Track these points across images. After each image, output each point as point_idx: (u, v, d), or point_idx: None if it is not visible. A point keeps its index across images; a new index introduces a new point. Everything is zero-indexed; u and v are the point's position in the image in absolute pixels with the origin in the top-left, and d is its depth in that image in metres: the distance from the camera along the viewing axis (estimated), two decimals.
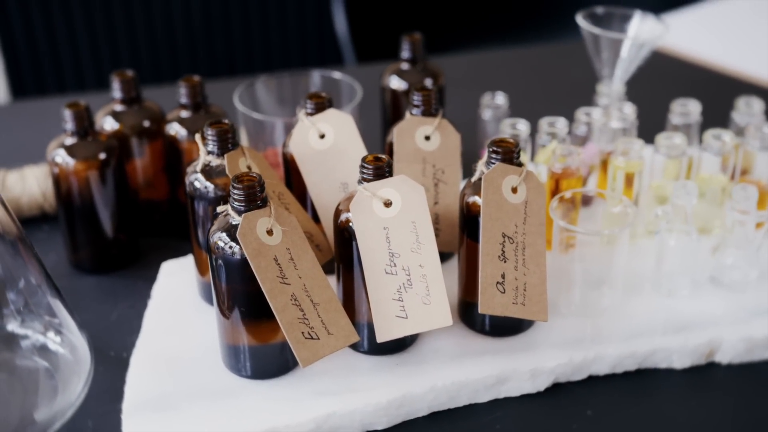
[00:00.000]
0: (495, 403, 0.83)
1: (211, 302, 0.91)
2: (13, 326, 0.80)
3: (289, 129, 1.03)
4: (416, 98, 0.90)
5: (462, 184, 0.96)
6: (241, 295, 0.78)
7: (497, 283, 0.78)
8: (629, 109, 1.03)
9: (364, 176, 0.79)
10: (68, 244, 1.01)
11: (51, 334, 0.81)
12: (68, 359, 0.80)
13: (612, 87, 1.07)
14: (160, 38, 2.26)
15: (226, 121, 0.85)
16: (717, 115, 1.15)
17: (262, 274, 0.74)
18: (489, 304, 0.77)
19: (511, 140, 0.81)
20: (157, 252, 1.04)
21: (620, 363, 0.85)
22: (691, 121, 1.03)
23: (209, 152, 0.85)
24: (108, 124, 1.02)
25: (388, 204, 0.78)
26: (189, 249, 1.03)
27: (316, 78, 1.10)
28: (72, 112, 0.95)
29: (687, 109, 1.04)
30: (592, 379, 0.86)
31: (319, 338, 0.75)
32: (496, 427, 0.81)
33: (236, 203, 0.76)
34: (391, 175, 0.79)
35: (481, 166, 0.82)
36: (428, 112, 0.90)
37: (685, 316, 0.89)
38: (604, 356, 0.85)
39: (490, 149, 0.81)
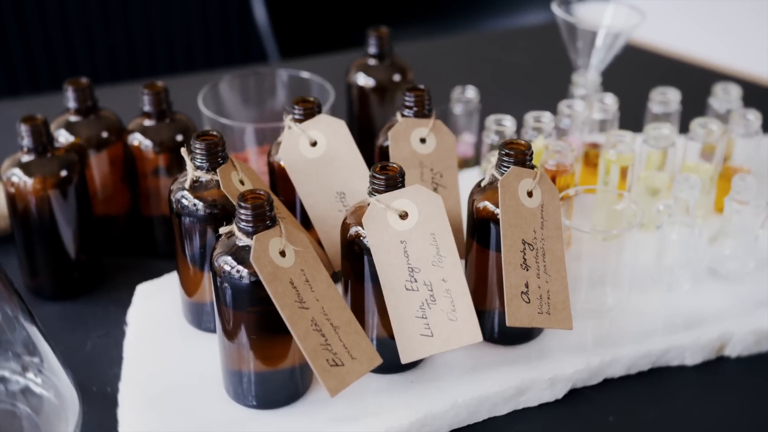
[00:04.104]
0: (514, 414, 0.80)
1: (199, 326, 0.85)
2: None
3: (260, 134, 0.97)
4: (408, 99, 0.85)
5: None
6: (250, 319, 0.72)
7: (522, 293, 0.74)
8: (610, 100, 1.01)
9: (376, 187, 0.74)
10: (25, 269, 0.93)
11: (31, 375, 0.73)
12: (53, 403, 0.73)
13: (588, 77, 1.04)
14: (54, 39, 2.13)
15: (215, 132, 0.78)
16: (690, 103, 1.14)
17: (280, 299, 0.69)
18: (516, 315, 0.73)
19: (523, 142, 0.78)
20: (122, 272, 0.97)
21: (635, 364, 0.83)
22: (671, 110, 1.02)
23: (197, 167, 0.78)
24: (63, 137, 0.94)
25: (404, 216, 0.74)
26: (158, 268, 0.96)
27: (283, 77, 1.04)
28: (29, 128, 0.86)
29: (666, 98, 1.02)
30: (607, 383, 0.83)
31: (344, 364, 0.70)
32: None
33: (243, 224, 0.70)
34: (403, 185, 0.74)
35: (491, 170, 0.78)
36: (421, 113, 0.86)
37: (692, 311, 0.87)
38: (620, 358, 0.82)
39: (502, 152, 0.77)
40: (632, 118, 1.09)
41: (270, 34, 1.94)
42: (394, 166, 0.74)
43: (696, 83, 1.23)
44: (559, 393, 0.81)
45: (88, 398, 0.81)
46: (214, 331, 0.84)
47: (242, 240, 0.70)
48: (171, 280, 0.91)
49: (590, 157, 1.01)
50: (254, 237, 0.69)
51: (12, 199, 0.89)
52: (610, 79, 1.14)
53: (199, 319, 0.85)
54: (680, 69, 1.41)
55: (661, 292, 0.89)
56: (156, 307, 0.88)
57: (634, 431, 0.79)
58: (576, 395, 0.82)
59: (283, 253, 0.70)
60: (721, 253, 0.91)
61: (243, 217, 0.70)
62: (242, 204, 0.70)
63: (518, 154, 0.77)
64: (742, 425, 0.80)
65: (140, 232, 0.99)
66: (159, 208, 0.96)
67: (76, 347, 0.87)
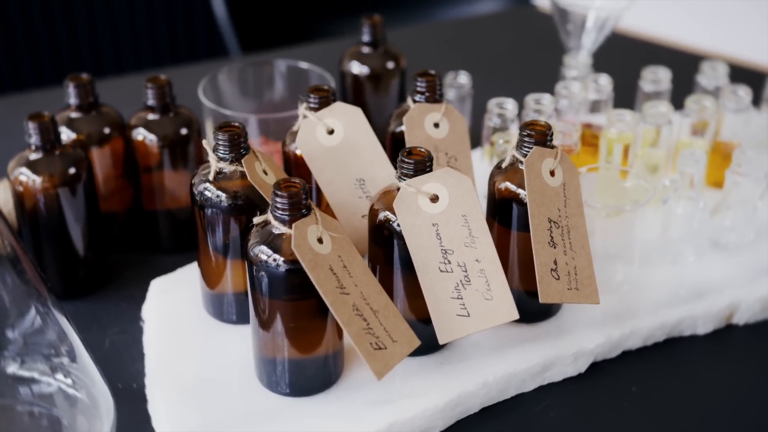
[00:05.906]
0: (540, 390, 0.82)
1: (220, 317, 0.85)
2: (13, 368, 0.70)
3: (262, 124, 0.97)
4: (420, 84, 0.86)
5: None
6: (286, 307, 0.72)
7: (551, 270, 0.76)
8: (605, 81, 1.03)
9: (405, 171, 0.75)
10: None
11: (60, 376, 0.71)
12: (86, 403, 0.72)
13: (579, 58, 1.06)
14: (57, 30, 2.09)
15: (237, 123, 0.78)
16: (676, 83, 1.16)
17: (323, 286, 0.69)
18: (547, 292, 0.75)
19: (543, 122, 0.79)
20: (129, 269, 0.96)
21: (651, 335, 0.86)
22: (662, 89, 1.05)
23: (221, 158, 0.78)
24: (64, 134, 0.93)
25: (434, 199, 0.75)
26: (163, 263, 0.96)
27: (281, 67, 1.04)
28: (36, 125, 0.85)
29: (658, 77, 1.05)
30: (625, 355, 0.85)
31: (386, 347, 0.71)
32: (550, 416, 0.79)
33: (279, 212, 0.70)
34: (432, 169, 0.75)
35: (511, 151, 0.80)
36: (432, 98, 0.87)
37: (700, 282, 0.90)
38: (638, 330, 0.85)
39: (524, 133, 0.78)
40: (621, 98, 1.11)
41: (230, 27, 1.92)
42: (422, 150, 0.75)
43: (676, 64, 1.26)
44: (581, 367, 0.83)
45: (115, 396, 0.80)
46: (236, 322, 0.84)
47: (278, 228, 0.71)
48: (186, 274, 0.91)
49: (586, 137, 1.03)
50: (293, 225, 0.70)
51: (20, 198, 0.87)
52: (597, 61, 1.16)
53: (220, 310, 0.84)
54: (661, 51, 1.44)
55: (667, 265, 0.92)
56: (174, 301, 0.88)
57: (656, 400, 0.81)
58: (597, 369, 0.84)
59: (320, 240, 0.71)
60: (722, 225, 0.94)
61: (279, 205, 0.70)
62: (278, 193, 0.70)
63: (539, 135, 0.78)
64: (757, 389, 0.83)
65: (144, 227, 0.98)
66: (164, 202, 0.96)
67: (94, 345, 0.86)
